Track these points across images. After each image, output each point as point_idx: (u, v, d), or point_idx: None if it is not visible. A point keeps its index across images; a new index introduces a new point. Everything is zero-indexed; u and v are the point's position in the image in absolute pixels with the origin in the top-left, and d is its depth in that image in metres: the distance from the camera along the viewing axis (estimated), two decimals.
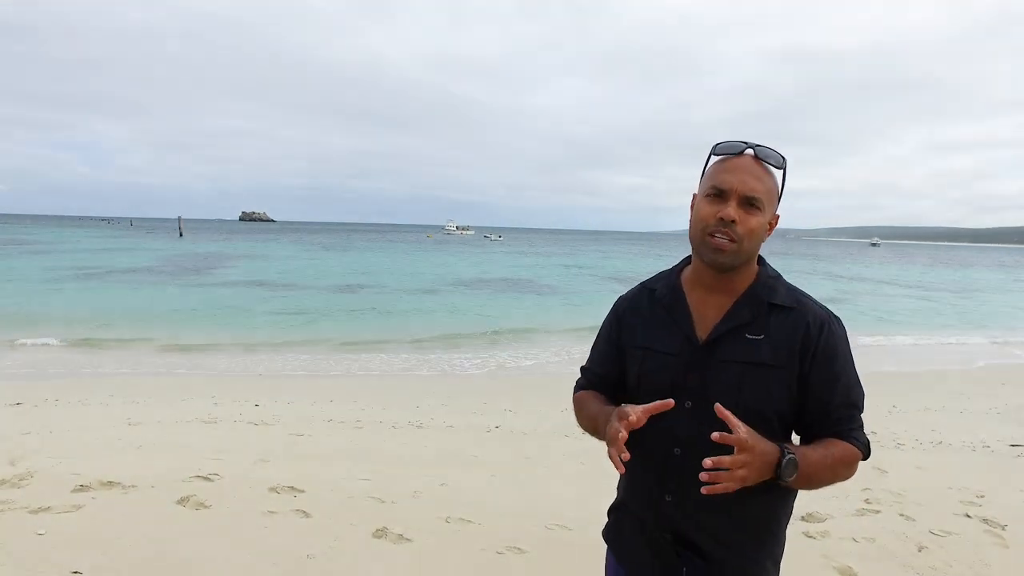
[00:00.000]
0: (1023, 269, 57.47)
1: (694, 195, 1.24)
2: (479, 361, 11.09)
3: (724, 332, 1.18)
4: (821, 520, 3.44)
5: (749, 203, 1.14)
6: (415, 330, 14.07)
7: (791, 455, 1.07)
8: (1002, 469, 4.74)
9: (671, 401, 1.14)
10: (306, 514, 3.29)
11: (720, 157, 1.20)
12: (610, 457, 1.11)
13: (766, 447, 1.06)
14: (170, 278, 24.81)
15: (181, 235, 69.07)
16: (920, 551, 3.08)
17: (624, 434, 1.09)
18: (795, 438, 1.24)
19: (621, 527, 1.35)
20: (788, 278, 1.28)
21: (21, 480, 3.58)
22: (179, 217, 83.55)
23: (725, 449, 1.05)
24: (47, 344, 11.14)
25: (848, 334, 1.24)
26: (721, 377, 1.16)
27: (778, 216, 1.24)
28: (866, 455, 1.21)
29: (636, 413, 1.12)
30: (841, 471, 1.16)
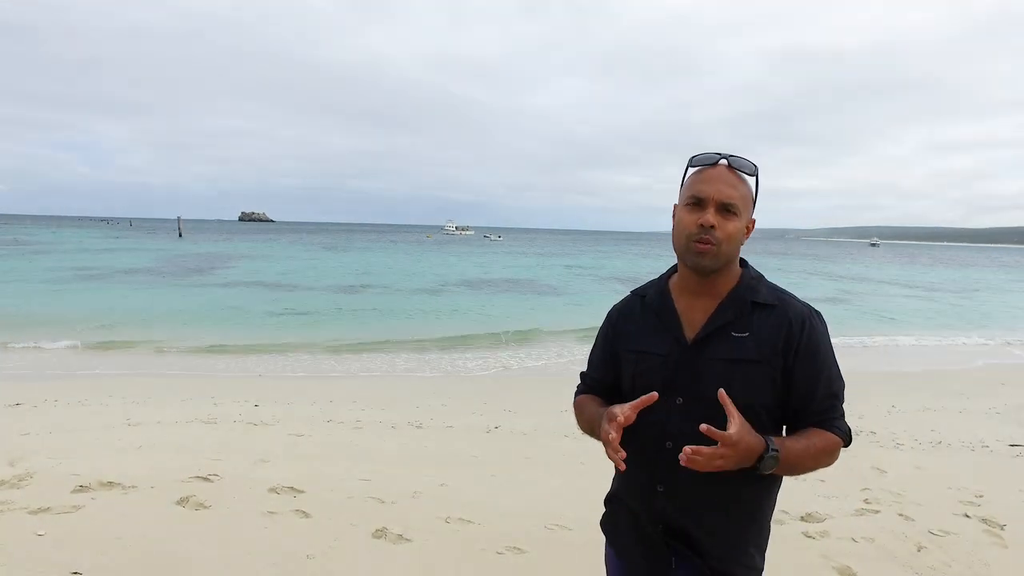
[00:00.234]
0: (1023, 269, 57.48)
1: (675, 206, 1.32)
2: (480, 362, 11.09)
3: (710, 332, 1.26)
4: (820, 520, 3.44)
5: (726, 209, 1.23)
6: (415, 330, 14.07)
7: (774, 452, 1.15)
8: (1001, 469, 4.74)
9: (655, 394, 1.22)
10: (306, 514, 3.30)
11: (696, 168, 1.29)
12: (610, 458, 1.20)
13: (752, 442, 1.13)
14: (170, 279, 24.82)
15: (180, 235, 69.08)
16: (919, 551, 3.08)
17: (614, 435, 1.18)
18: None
19: (616, 519, 1.42)
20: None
21: (20, 481, 3.58)
22: (178, 217, 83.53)
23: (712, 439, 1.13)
24: (47, 345, 11.14)
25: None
26: (709, 374, 1.24)
27: (754, 220, 1.32)
28: (847, 443, 1.29)
29: (624, 412, 1.21)
30: (822, 460, 1.24)
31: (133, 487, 3.55)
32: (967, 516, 3.56)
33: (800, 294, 1.35)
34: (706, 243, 1.22)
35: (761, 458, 1.14)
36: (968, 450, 5.31)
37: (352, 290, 23.09)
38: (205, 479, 3.75)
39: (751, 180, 1.29)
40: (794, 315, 1.25)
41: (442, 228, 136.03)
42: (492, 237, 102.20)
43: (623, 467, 1.19)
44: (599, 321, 1.49)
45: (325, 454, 4.65)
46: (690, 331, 1.29)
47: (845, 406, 1.31)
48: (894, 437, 5.70)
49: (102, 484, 3.55)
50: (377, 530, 3.13)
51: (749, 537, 1.29)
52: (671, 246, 1.33)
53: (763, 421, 1.23)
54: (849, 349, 13.15)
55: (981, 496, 3.91)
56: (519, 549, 3.02)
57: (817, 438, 1.23)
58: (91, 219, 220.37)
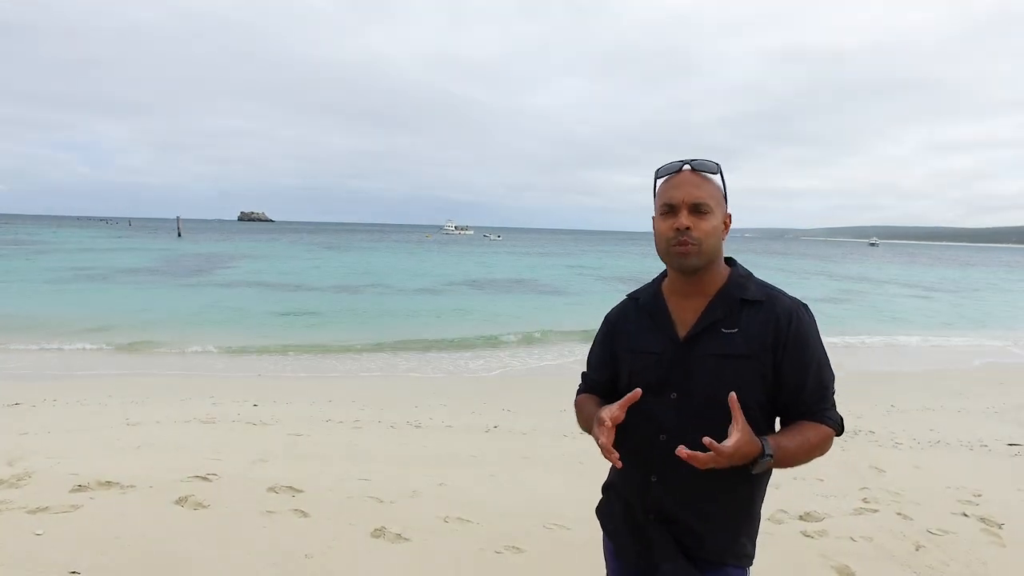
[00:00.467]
0: (1022, 270, 57.52)
1: (653, 218, 1.37)
2: (479, 362, 11.09)
3: (701, 329, 1.31)
4: (819, 519, 3.44)
5: (697, 209, 1.28)
6: (414, 330, 14.07)
7: (768, 455, 1.19)
8: (1000, 468, 4.75)
9: (639, 391, 1.28)
10: (305, 514, 3.30)
11: (664, 178, 1.35)
12: (607, 459, 1.27)
13: (750, 449, 1.17)
14: (170, 279, 24.81)
15: (180, 235, 69.05)
16: (918, 550, 3.09)
17: (603, 440, 1.24)
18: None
19: (611, 507, 1.48)
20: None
21: (19, 480, 3.58)
22: (178, 217, 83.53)
23: (709, 432, 1.17)
24: (46, 345, 11.13)
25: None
26: (701, 370, 1.29)
27: (730, 215, 1.37)
28: (839, 432, 1.33)
29: (612, 413, 1.27)
30: (815, 453, 1.29)
31: (132, 487, 3.54)
32: (965, 515, 3.57)
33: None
34: (684, 244, 1.28)
35: (755, 461, 1.19)
36: (967, 449, 5.31)
37: (352, 290, 23.09)
38: (204, 479, 3.75)
39: (716, 178, 1.34)
40: (781, 309, 1.29)
41: (441, 228, 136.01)
42: (492, 237, 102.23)
43: (620, 466, 1.26)
44: (599, 321, 1.55)
45: (324, 454, 4.65)
46: (682, 329, 1.34)
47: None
48: (893, 436, 5.70)
49: (101, 484, 3.55)
50: (376, 530, 3.13)
51: (740, 526, 1.33)
52: None
53: (756, 416, 1.26)
54: (848, 349, 13.16)
55: (979, 495, 3.91)
56: (518, 548, 3.02)
57: (810, 432, 1.27)
58: (90, 219, 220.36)
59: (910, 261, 69.18)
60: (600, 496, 1.54)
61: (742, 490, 1.31)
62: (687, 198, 1.28)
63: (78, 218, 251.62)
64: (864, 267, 51.70)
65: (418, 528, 3.19)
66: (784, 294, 1.34)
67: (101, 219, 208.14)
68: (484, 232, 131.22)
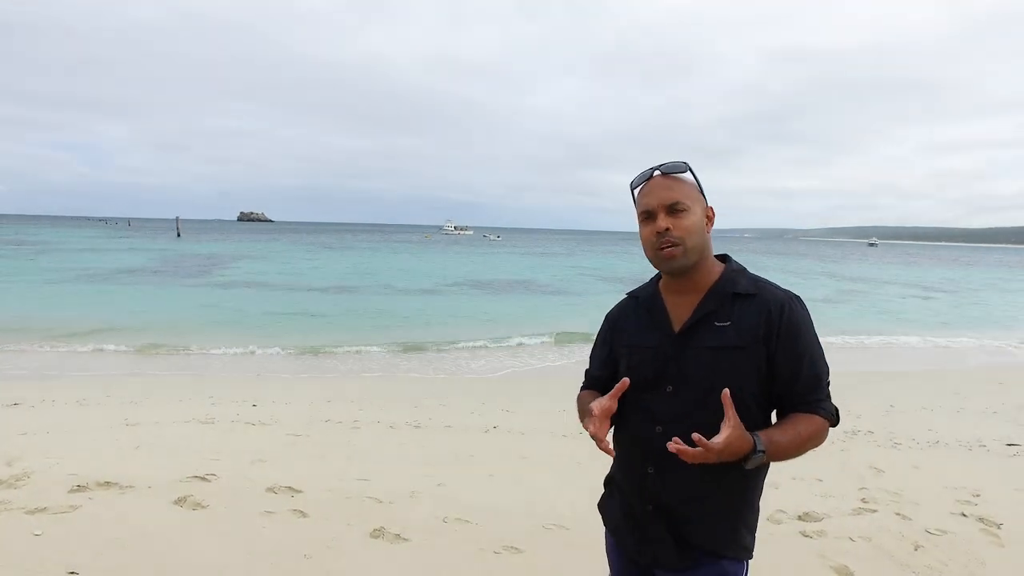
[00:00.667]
0: (1020, 270, 57.58)
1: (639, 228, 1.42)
2: (479, 362, 11.09)
3: (694, 322, 1.34)
4: (818, 519, 3.45)
5: (673, 209, 1.32)
6: (414, 331, 14.08)
7: (760, 451, 1.20)
8: (998, 468, 4.75)
9: (626, 380, 1.33)
10: (303, 514, 3.30)
11: (638, 187, 1.41)
12: (600, 448, 1.31)
13: (741, 445, 1.18)
14: (169, 279, 24.80)
15: (179, 235, 69.02)
16: (916, 550, 3.09)
17: (592, 429, 1.30)
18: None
19: (611, 501, 1.51)
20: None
21: (18, 480, 3.57)
22: (177, 217, 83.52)
23: (704, 425, 1.20)
24: (46, 345, 11.12)
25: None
26: (695, 363, 1.31)
27: (712, 208, 1.40)
28: (834, 423, 1.33)
29: (602, 404, 1.32)
30: (809, 445, 1.29)
31: (130, 487, 3.54)
32: (964, 515, 3.57)
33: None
34: (667, 245, 1.31)
35: (747, 457, 1.20)
36: (965, 450, 5.31)
37: (351, 290, 23.09)
38: (203, 479, 3.75)
39: (687, 176, 1.38)
40: (773, 301, 1.31)
41: (441, 228, 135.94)
42: (491, 237, 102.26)
43: (612, 454, 1.33)
44: (600, 321, 1.59)
45: (323, 454, 4.65)
46: (677, 324, 1.37)
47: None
48: (892, 437, 5.70)
49: (99, 484, 3.55)
50: (375, 530, 3.13)
51: (738, 517, 1.34)
52: None
53: (752, 410, 1.29)
54: (848, 348, 13.18)
55: (978, 495, 3.91)
56: (516, 549, 3.03)
57: (803, 424, 1.28)
58: (89, 219, 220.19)
59: (909, 261, 69.25)
60: (602, 491, 1.56)
61: (739, 481, 1.32)
62: (662, 201, 1.32)
63: (77, 218, 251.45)
64: (863, 267, 51.75)
65: (417, 528, 3.19)
66: (776, 287, 1.36)
67: (100, 219, 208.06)
68: (484, 232, 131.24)
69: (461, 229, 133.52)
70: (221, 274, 27.62)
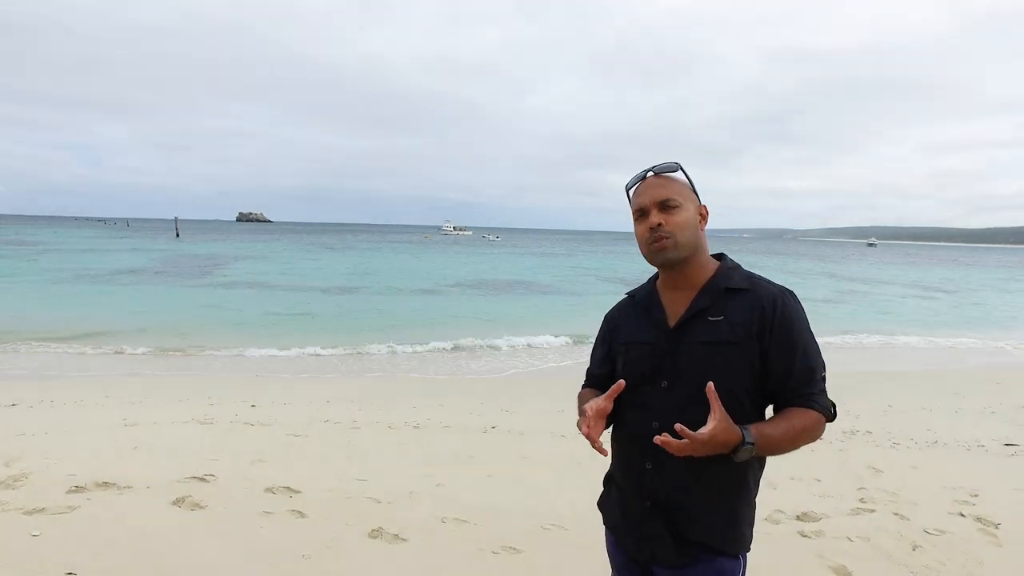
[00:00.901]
0: (1020, 269, 57.66)
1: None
2: (478, 362, 11.09)
3: (688, 317, 1.37)
4: (816, 519, 3.45)
5: (665, 205, 1.36)
6: (413, 331, 14.07)
7: (749, 444, 1.21)
8: (996, 468, 4.75)
9: (622, 382, 1.35)
10: (302, 514, 3.30)
11: (633, 188, 1.46)
12: (594, 449, 1.33)
13: (727, 437, 1.19)
14: (168, 279, 24.78)
15: (178, 235, 68.98)
16: (914, 550, 3.09)
17: (584, 430, 1.31)
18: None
19: (610, 498, 1.53)
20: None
21: (16, 481, 3.57)
22: (175, 218, 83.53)
23: (699, 420, 1.21)
24: (44, 345, 11.11)
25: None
26: (690, 357, 1.33)
27: (705, 207, 1.44)
28: (830, 418, 1.33)
29: (597, 404, 1.34)
30: (803, 439, 1.29)
31: (129, 487, 3.54)
32: (962, 515, 3.57)
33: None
34: (660, 239, 1.35)
35: (736, 449, 1.21)
36: (963, 450, 5.32)
37: (350, 290, 23.08)
38: (201, 479, 3.75)
39: (679, 175, 1.42)
40: (766, 296, 1.33)
41: (439, 228, 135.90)
42: (491, 237, 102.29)
43: (605, 453, 1.33)
44: (600, 322, 1.62)
45: (322, 454, 4.65)
46: (673, 320, 1.39)
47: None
48: (890, 437, 5.71)
49: (98, 484, 3.55)
50: (373, 530, 3.13)
51: (736, 511, 1.35)
52: None
53: (745, 406, 1.30)
54: (847, 348, 13.19)
55: (976, 495, 3.92)
56: (515, 549, 3.03)
57: (797, 419, 1.29)
58: (88, 219, 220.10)
59: (908, 261, 69.32)
60: (601, 489, 1.58)
61: (737, 477, 1.33)
62: (654, 198, 1.37)
63: (75, 218, 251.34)
64: (863, 267, 51.80)
65: (416, 529, 3.19)
66: (769, 282, 1.38)
67: (99, 219, 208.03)
68: (483, 233, 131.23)
69: (460, 229, 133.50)
70: (220, 274, 27.60)
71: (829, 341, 13.21)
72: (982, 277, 43.52)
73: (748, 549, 1.38)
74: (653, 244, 1.36)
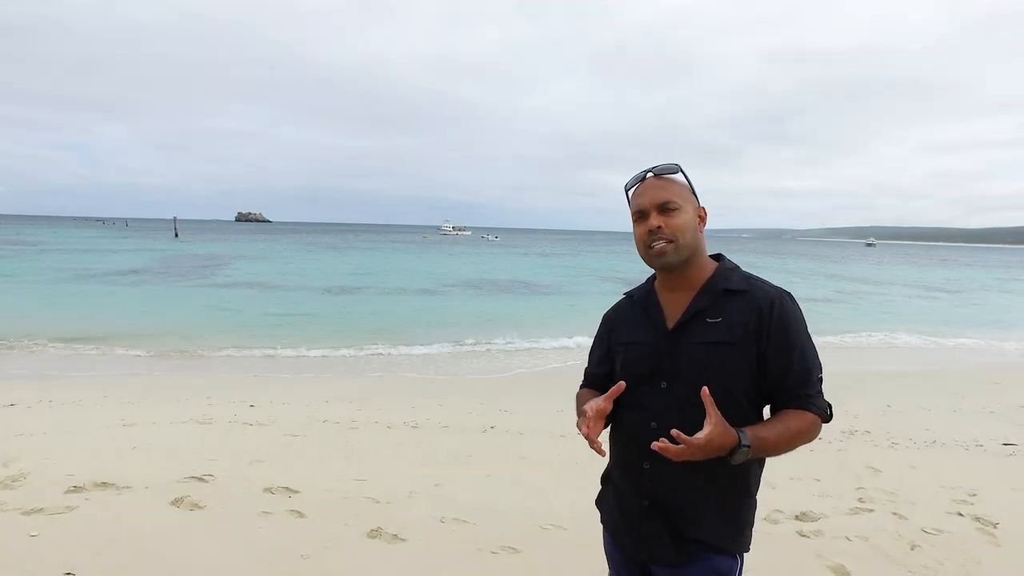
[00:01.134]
0: (1019, 269, 57.72)
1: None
2: (479, 363, 11.09)
3: (687, 319, 1.37)
4: (814, 519, 3.45)
5: (664, 208, 1.36)
6: (412, 331, 14.06)
7: (745, 447, 1.21)
8: (995, 468, 4.76)
9: (623, 384, 1.35)
10: (301, 514, 3.30)
11: (632, 189, 1.46)
12: (592, 449, 1.34)
13: (724, 441, 1.20)
14: (167, 279, 24.76)
15: (176, 235, 68.93)
16: (913, 549, 3.10)
17: (584, 431, 1.32)
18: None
19: (608, 497, 1.53)
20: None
21: (14, 481, 3.57)
22: (174, 218, 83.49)
23: (697, 421, 1.22)
24: (43, 345, 11.10)
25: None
26: (688, 358, 1.34)
27: (704, 208, 1.44)
28: (826, 419, 1.34)
29: (597, 405, 1.34)
30: (799, 440, 1.30)
31: (127, 487, 3.54)
32: (960, 515, 3.58)
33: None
34: (660, 243, 1.36)
35: (732, 452, 1.22)
36: (962, 449, 5.32)
37: (349, 290, 23.07)
38: (200, 479, 3.75)
39: (679, 177, 1.42)
40: (764, 297, 1.33)
41: (438, 229, 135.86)
42: (490, 238, 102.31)
43: (604, 454, 1.33)
44: (598, 321, 1.62)
45: (320, 454, 4.64)
46: (671, 321, 1.40)
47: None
48: (889, 436, 5.71)
49: (96, 485, 3.55)
50: (372, 530, 3.13)
51: (736, 511, 1.36)
52: None
53: (743, 406, 1.31)
54: (846, 348, 13.19)
55: (974, 495, 3.92)
56: (514, 549, 3.03)
57: (792, 420, 1.29)
58: (87, 219, 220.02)
59: (907, 261, 69.37)
60: (599, 488, 1.59)
61: (735, 476, 1.33)
62: (654, 200, 1.37)
63: (74, 218, 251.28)
64: (862, 267, 51.84)
65: (414, 529, 3.19)
66: (767, 283, 1.38)
67: (98, 219, 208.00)
68: (482, 233, 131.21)
69: (459, 230, 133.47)
70: (220, 274, 27.58)
71: (829, 341, 13.22)
72: (981, 277, 43.56)
73: (747, 549, 1.38)
74: (652, 248, 1.37)
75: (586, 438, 1.32)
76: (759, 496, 1.42)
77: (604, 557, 1.56)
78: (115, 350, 11.03)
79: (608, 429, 1.49)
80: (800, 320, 1.34)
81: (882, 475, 4.34)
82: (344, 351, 11.57)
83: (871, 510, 3.63)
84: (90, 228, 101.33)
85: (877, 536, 3.25)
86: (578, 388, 1.63)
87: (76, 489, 3.46)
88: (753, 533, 1.41)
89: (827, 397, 1.37)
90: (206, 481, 3.73)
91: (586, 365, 1.63)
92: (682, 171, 1.41)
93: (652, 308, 1.44)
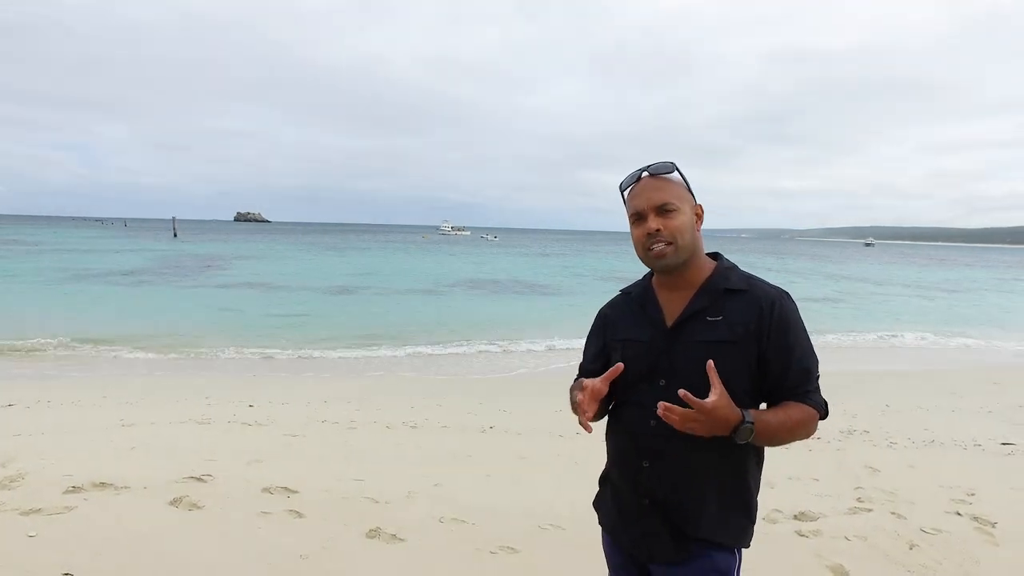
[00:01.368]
0: (1018, 269, 57.78)
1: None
2: (478, 363, 11.09)
3: (686, 317, 1.37)
4: (813, 519, 3.45)
5: (662, 210, 1.35)
6: (411, 331, 14.06)
7: (749, 423, 1.23)
8: (993, 467, 4.76)
9: (620, 365, 1.34)
10: (300, 514, 3.29)
11: (627, 189, 1.44)
12: (580, 423, 1.31)
13: (729, 413, 1.21)
14: (166, 279, 24.75)
15: (176, 235, 68.88)
16: (911, 549, 3.10)
17: (580, 396, 1.31)
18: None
19: (607, 497, 1.52)
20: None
21: (12, 481, 3.56)
22: (173, 218, 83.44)
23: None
24: (42, 345, 11.09)
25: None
26: (687, 356, 1.33)
27: (701, 206, 1.42)
28: (823, 415, 1.37)
29: (595, 383, 1.32)
30: (799, 431, 1.32)
31: (126, 488, 3.54)
32: (959, 514, 3.58)
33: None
34: (658, 244, 1.35)
35: (736, 428, 1.22)
36: (960, 449, 5.33)
37: (349, 290, 23.06)
38: (199, 479, 3.74)
39: (675, 176, 1.40)
40: (764, 297, 1.34)
41: (438, 229, 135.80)
42: (489, 238, 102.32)
43: (590, 429, 1.30)
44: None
45: (319, 454, 4.64)
46: (670, 319, 1.39)
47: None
48: (887, 436, 5.71)
49: (95, 485, 3.54)
50: (371, 530, 3.13)
51: (735, 506, 1.36)
52: None
53: (744, 403, 1.30)
54: (845, 348, 13.21)
55: (973, 494, 3.93)
56: (513, 549, 3.03)
57: (794, 410, 1.31)
58: (86, 219, 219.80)
59: (906, 261, 69.42)
60: (597, 489, 1.58)
61: (735, 471, 1.35)
62: (651, 202, 1.35)
63: (73, 219, 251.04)
64: (861, 267, 51.88)
65: (413, 529, 3.19)
66: (767, 283, 1.39)
67: (96, 220, 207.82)
68: (481, 233, 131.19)
69: (458, 230, 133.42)
70: (218, 275, 27.57)
71: (828, 340, 13.24)
72: (981, 277, 43.60)
73: (747, 545, 1.38)
74: (650, 251, 1.36)
75: (578, 403, 1.30)
76: (758, 495, 1.42)
77: (603, 558, 1.56)
78: (114, 350, 11.03)
79: (606, 429, 1.49)
80: (799, 320, 1.36)
81: (881, 475, 4.35)
82: (343, 351, 11.57)
83: (870, 510, 3.63)
84: (89, 228, 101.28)
85: (876, 536, 3.25)
86: (572, 382, 1.61)
87: (75, 489, 3.45)
88: (753, 532, 1.41)
89: (825, 396, 1.38)
90: (205, 481, 3.72)
91: (581, 360, 1.62)
92: (677, 169, 1.40)
93: (650, 306, 1.44)
